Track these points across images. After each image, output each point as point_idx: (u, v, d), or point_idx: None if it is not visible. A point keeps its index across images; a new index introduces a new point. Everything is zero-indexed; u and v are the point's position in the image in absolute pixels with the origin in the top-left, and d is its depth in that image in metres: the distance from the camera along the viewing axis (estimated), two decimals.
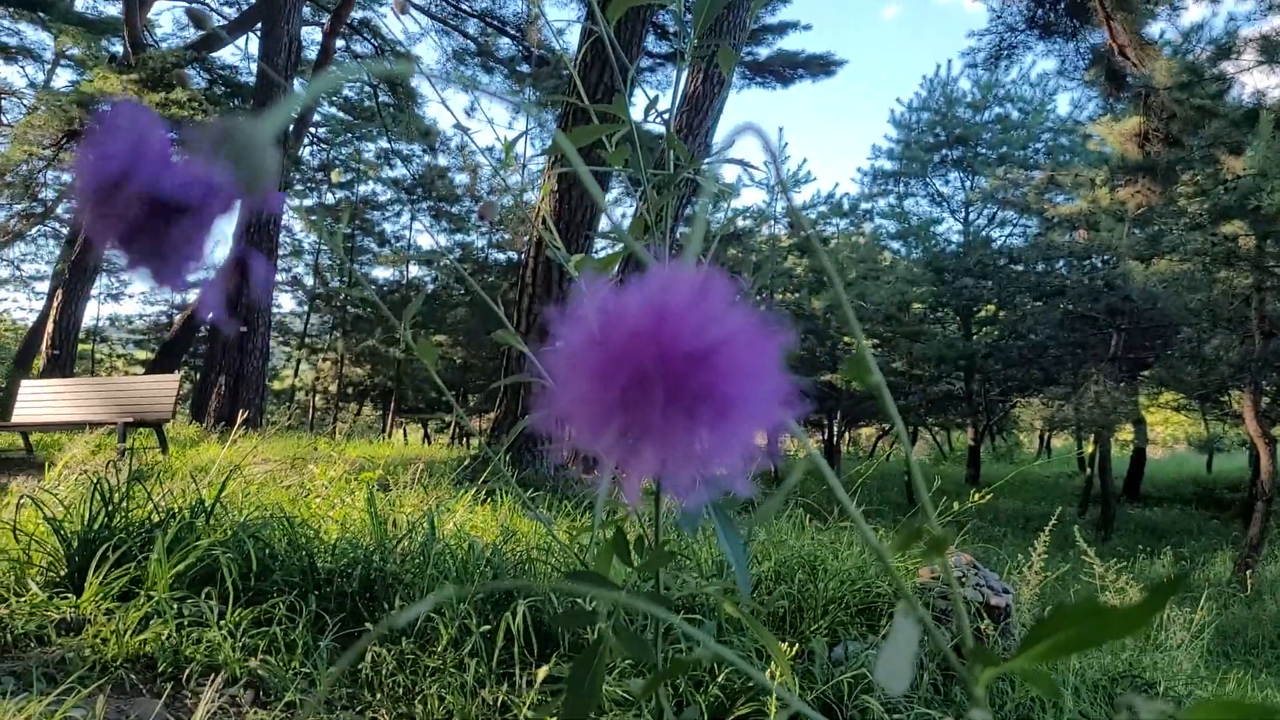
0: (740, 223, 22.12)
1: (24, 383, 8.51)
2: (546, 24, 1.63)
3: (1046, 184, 17.88)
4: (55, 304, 15.46)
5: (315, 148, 22.16)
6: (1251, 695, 3.92)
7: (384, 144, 22.30)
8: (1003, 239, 22.16)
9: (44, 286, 23.51)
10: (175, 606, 2.27)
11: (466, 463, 6.34)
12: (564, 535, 3.22)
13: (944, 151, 22.74)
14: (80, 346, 19.90)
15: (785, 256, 21.63)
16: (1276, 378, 12.87)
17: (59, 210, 20.34)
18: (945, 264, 19.28)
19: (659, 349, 0.30)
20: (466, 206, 23.87)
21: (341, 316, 24.83)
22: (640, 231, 1.10)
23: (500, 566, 2.87)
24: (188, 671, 2.10)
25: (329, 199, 23.95)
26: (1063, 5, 13.54)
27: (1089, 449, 16.24)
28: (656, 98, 1.15)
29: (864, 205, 24.33)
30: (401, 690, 2.16)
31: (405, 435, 26.12)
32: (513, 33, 18.08)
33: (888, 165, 23.96)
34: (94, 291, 18.95)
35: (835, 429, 20.31)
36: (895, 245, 23.70)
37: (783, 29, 17.35)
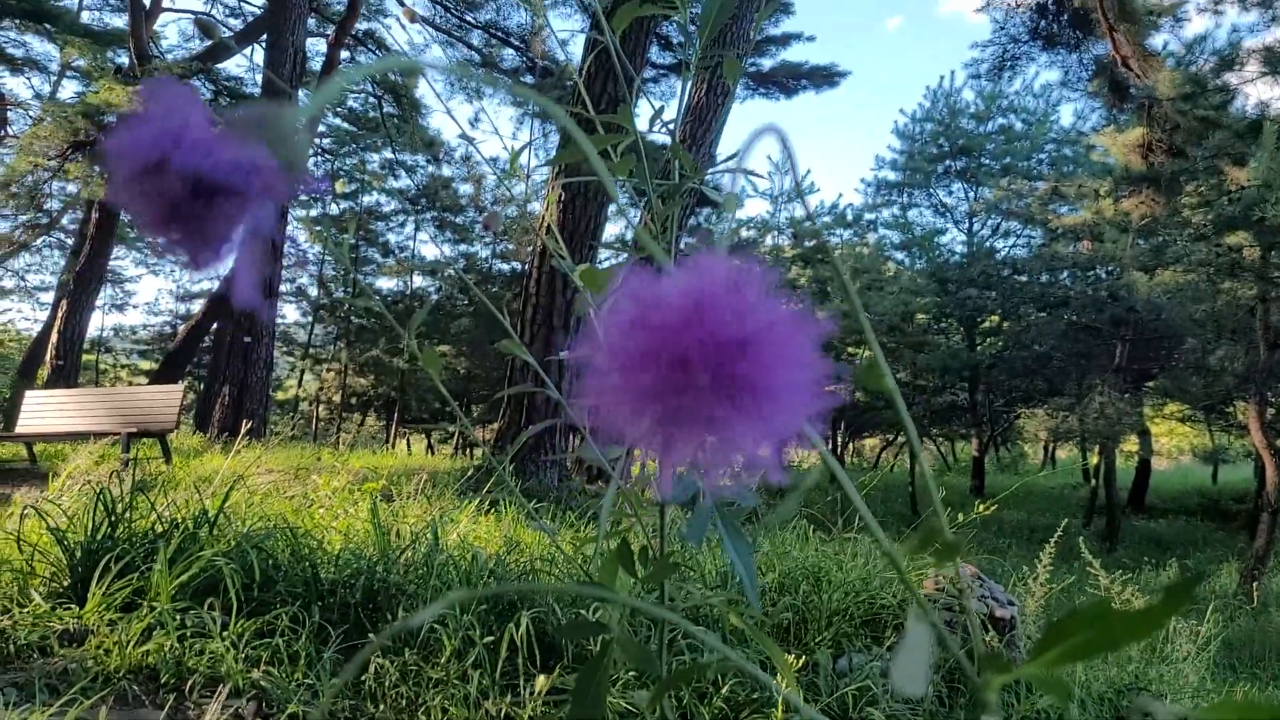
0: (744, 233, 22.16)
1: (28, 393, 8.52)
2: (551, 34, 1.63)
3: (1050, 195, 17.88)
4: (60, 314, 15.50)
5: (320, 158, 22.23)
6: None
7: (389, 154, 22.37)
8: (1006, 250, 22.17)
9: (49, 297, 23.56)
10: (178, 617, 2.26)
11: (470, 473, 6.34)
12: (568, 546, 3.21)
13: (948, 162, 22.75)
14: (85, 357, 19.95)
15: (789, 267, 21.64)
16: None
17: (64, 221, 20.42)
18: (949, 274, 19.27)
19: (700, 335, 0.30)
20: (471, 217, 23.91)
21: (345, 327, 24.87)
22: (645, 240, 1.09)
23: (504, 577, 2.87)
24: (190, 683, 2.09)
25: (333, 209, 24.01)
26: (1066, 17, 13.56)
27: (1094, 460, 16.21)
28: (661, 108, 1.15)
29: (868, 216, 24.35)
30: (404, 702, 2.16)
31: (409, 446, 26.11)
32: (517, 44, 18.16)
33: (891, 176, 23.98)
34: (99, 302, 19.01)
35: (839, 440, 20.29)
36: (899, 256, 23.70)
37: (786, 40, 17.41)
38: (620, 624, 0.70)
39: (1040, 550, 3.69)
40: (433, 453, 24.29)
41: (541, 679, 2.15)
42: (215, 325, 15.97)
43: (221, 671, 2.13)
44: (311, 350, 26.94)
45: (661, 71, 16.76)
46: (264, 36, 14.12)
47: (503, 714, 2.13)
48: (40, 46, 16.55)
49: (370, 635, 2.44)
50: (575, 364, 0.33)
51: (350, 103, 20.46)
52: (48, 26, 13.92)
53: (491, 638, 2.31)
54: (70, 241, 20.41)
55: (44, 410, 8.13)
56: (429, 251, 26.70)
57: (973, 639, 0.50)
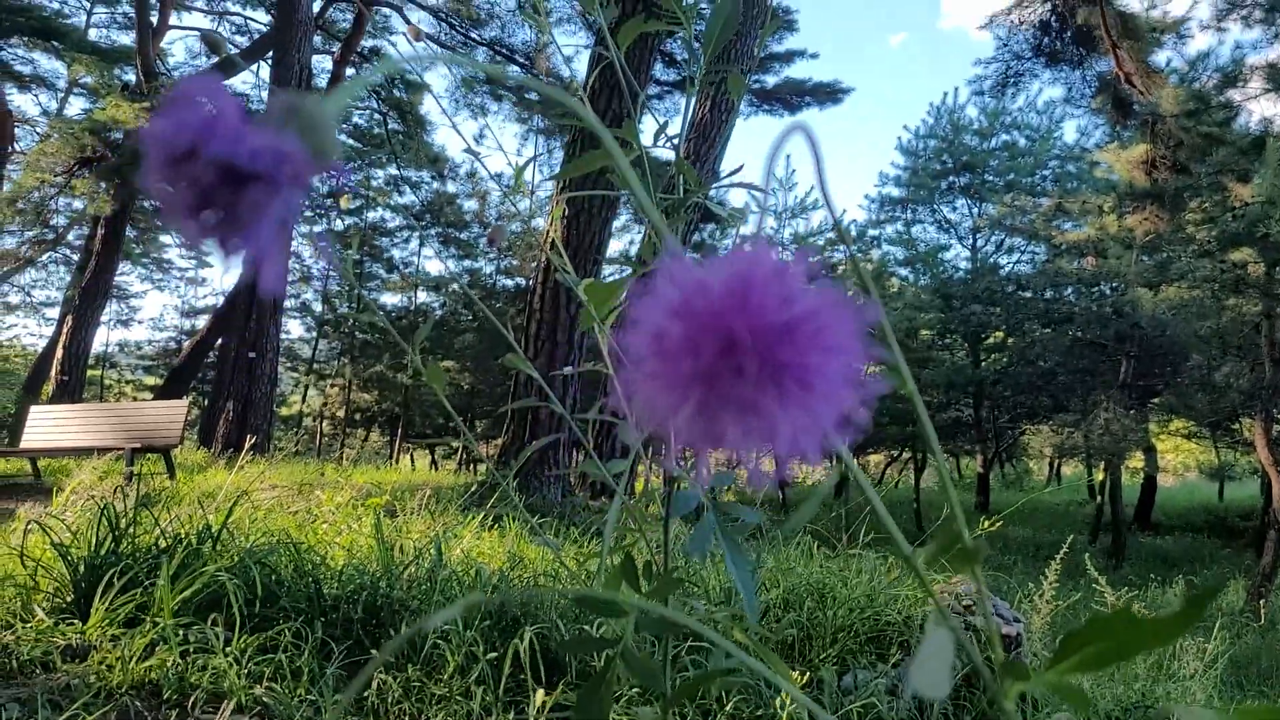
0: (748, 249, 22.16)
1: (33, 408, 8.53)
2: (556, 50, 1.64)
3: (1054, 211, 17.91)
4: (65, 330, 15.55)
5: (324, 174, 22.28)
6: None
7: (393, 170, 22.47)
8: (1010, 266, 22.18)
9: (54, 313, 23.62)
10: (181, 633, 2.26)
11: (474, 488, 6.33)
12: (572, 562, 3.21)
13: (951, 178, 22.79)
14: (90, 372, 19.99)
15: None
16: None
17: (70, 237, 20.50)
18: (953, 290, 19.28)
19: (747, 320, 0.30)
20: (475, 232, 23.99)
21: (350, 342, 24.91)
22: (650, 255, 1.10)
23: (507, 593, 2.86)
24: (193, 699, 2.08)
25: (338, 225, 24.11)
26: (1069, 34, 13.61)
27: (1099, 477, 16.16)
28: (665, 123, 1.15)
29: (871, 232, 24.38)
30: (408, 718, 2.15)
31: (412, 461, 26.11)
32: (521, 61, 18.24)
33: (895, 192, 24.02)
34: (104, 317, 19.06)
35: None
36: (903, 272, 23.71)
37: (790, 57, 17.49)
38: (626, 637, 0.70)
39: (1046, 567, 3.67)
40: (436, 468, 24.29)
41: (540, 694, 2.15)
42: (220, 341, 16.01)
43: (224, 687, 2.12)
44: (316, 365, 26.99)
45: (666, 88, 16.84)
46: (270, 54, 14.21)
47: None
48: (48, 64, 16.68)
49: (373, 651, 2.43)
50: (619, 350, 0.33)
51: (356, 119, 20.56)
52: (56, 44, 14.02)
53: (495, 653, 2.30)
54: (76, 257, 20.49)
55: (48, 425, 8.14)
56: (433, 267, 26.79)
57: (991, 648, 0.50)
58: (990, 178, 22.48)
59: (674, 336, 0.31)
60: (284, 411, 28.32)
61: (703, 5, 1.09)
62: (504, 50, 18.49)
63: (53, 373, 15.48)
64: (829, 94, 17.60)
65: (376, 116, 20.50)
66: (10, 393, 19.37)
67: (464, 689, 2.22)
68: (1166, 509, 20.96)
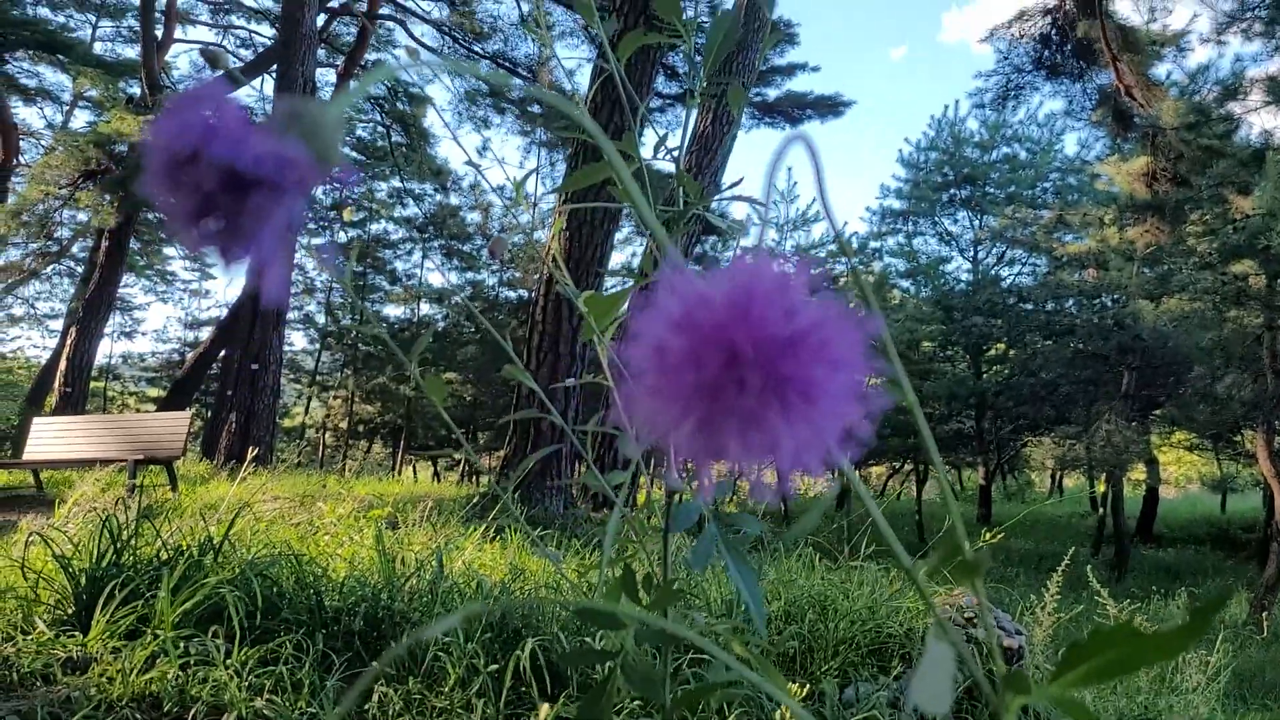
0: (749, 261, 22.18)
1: (36, 420, 8.54)
2: (558, 64, 1.65)
3: (1055, 223, 17.92)
4: (69, 342, 15.57)
5: (328, 186, 22.33)
6: None
7: (396, 183, 22.52)
8: (1012, 277, 22.20)
9: (58, 324, 23.66)
10: (181, 645, 2.26)
11: (475, 500, 6.33)
12: (573, 573, 3.20)
13: (952, 190, 22.83)
14: (93, 384, 20.00)
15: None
16: None
17: (74, 249, 20.54)
18: (954, 302, 19.29)
19: (750, 333, 0.29)
20: (478, 245, 24.04)
21: (352, 354, 24.94)
22: (650, 267, 1.10)
23: (508, 605, 2.85)
24: (194, 711, 2.08)
25: (341, 237, 24.15)
26: (1069, 47, 13.65)
27: (1101, 488, 16.12)
28: (666, 135, 1.16)
29: (873, 244, 24.40)
30: None
31: (415, 472, 26.09)
32: (524, 74, 18.31)
33: (896, 204, 24.06)
34: (107, 329, 19.09)
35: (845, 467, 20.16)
36: (904, 284, 23.72)
37: (791, 70, 17.55)
38: (626, 649, 0.70)
39: (1048, 579, 3.66)
40: (439, 479, 24.26)
41: (545, 708, 2.14)
42: (223, 352, 16.03)
43: (225, 700, 2.11)
44: (319, 377, 27.01)
45: (668, 101, 16.89)
46: (274, 67, 14.27)
47: None
48: (53, 77, 16.77)
49: (374, 664, 2.42)
50: (619, 364, 0.33)
51: (360, 132, 20.63)
52: (61, 57, 14.10)
53: (496, 665, 2.30)
54: (80, 269, 20.53)
55: (51, 437, 8.14)
56: (437, 279, 26.81)
57: (992, 660, 0.50)
58: (991, 190, 22.52)
59: (676, 349, 0.30)
60: (287, 423, 28.32)
61: (703, 18, 1.10)
62: (507, 64, 18.57)
63: (56, 384, 15.50)
64: (830, 107, 17.66)
65: (380, 129, 20.57)
66: (13, 404, 19.38)
67: (465, 701, 2.21)
68: (1169, 521, 20.90)
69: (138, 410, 26.61)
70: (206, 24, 20.88)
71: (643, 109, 1.17)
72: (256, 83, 19.77)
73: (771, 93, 17.69)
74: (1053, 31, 13.89)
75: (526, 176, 1.45)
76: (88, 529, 3.00)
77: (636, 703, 2.22)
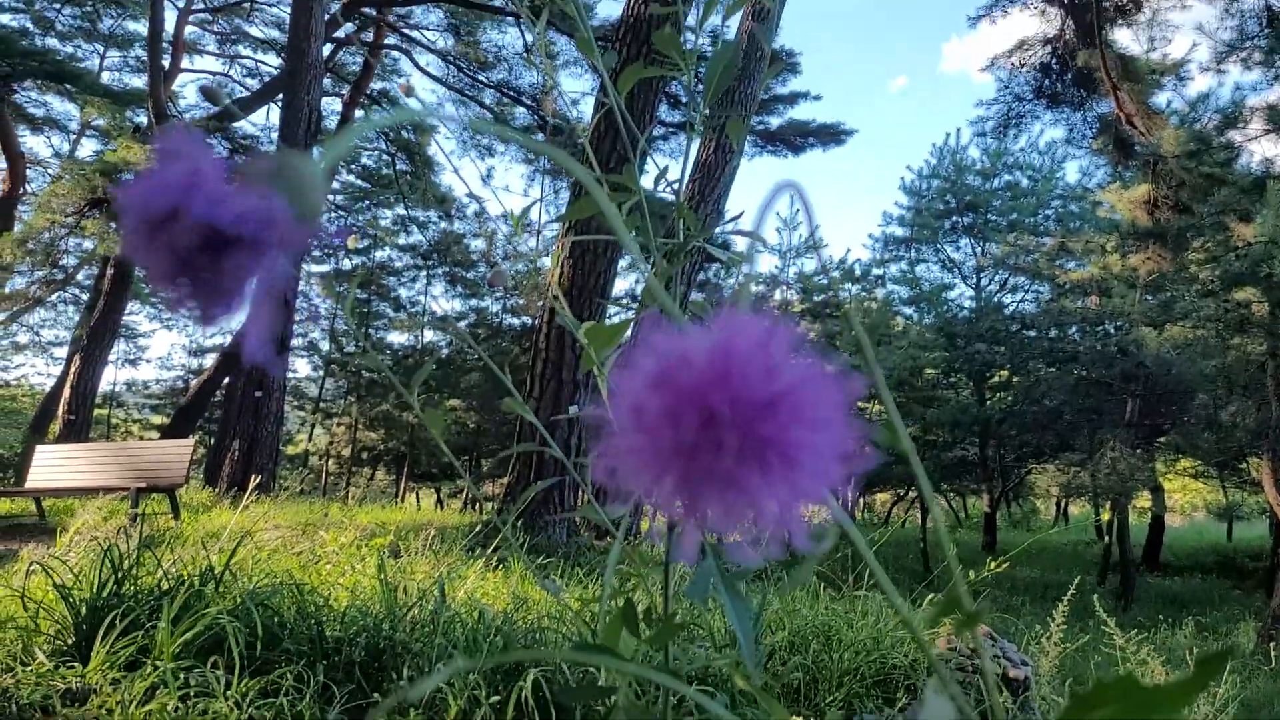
0: (753, 288, 22.24)
1: (39, 448, 8.54)
2: (561, 95, 1.66)
3: (1057, 250, 17.96)
4: (73, 369, 15.60)
5: (333, 214, 22.50)
6: None
7: (401, 211, 22.64)
8: (1015, 305, 22.18)
9: (62, 352, 23.73)
10: (181, 676, 2.24)
11: (478, 529, 6.31)
12: (575, 603, 3.18)
13: (954, 218, 22.88)
14: (97, 411, 20.02)
15: (798, 321, 21.63)
16: None
17: (79, 277, 20.63)
18: (957, 329, 19.28)
19: (729, 394, 0.29)
20: (482, 271, 24.13)
21: (356, 381, 24.96)
22: (651, 300, 1.11)
23: (511, 635, 2.84)
24: None
25: (346, 264, 24.26)
26: (1070, 76, 13.73)
27: (1106, 516, 16.06)
28: (666, 167, 1.17)
29: (876, 271, 24.42)
30: None
31: (418, 500, 26.02)
32: (528, 103, 18.45)
33: (899, 232, 24.09)
34: (111, 357, 19.13)
35: (850, 495, 20.11)
36: (907, 311, 23.72)
37: (793, 99, 17.67)
38: (625, 689, 0.70)
39: (1054, 608, 3.64)
40: (442, 507, 24.19)
41: None
42: (227, 380, 16.04)
43: None
44: (322, 404, 27.02)
45: (671, 129, 17.00)
46: (280, 96, 14.39)
47: None
48: (60, 106, 16.91)
49: (375, 695, 2.41)
50: (593, 422, 0.32)
51: (364, 160, 20.76)
52: (69, 87, 14.21)
53: (498, 697, 2.28)
54: (85, 297, 20.61)
55: (54, 465, 8.14)
56: (441, 306, 26.88)
57: (989, 700, 0.50)
58: (993, 217, 22.56)
59: (653, 409, 0.30)
60: (290, 450, 28.30)
61: (706, 49, 1.11)
62: (511, 92, 18.71)
63: (60, 412, 15.51)
64: (832, 135, 17.77)
65: (385, 157, 20.69)
66: (17, 432, 19.40)
67: None
68: (1175, 549, 20.78)
69: (141, 438, 26.62)
70: (213, 54, 21.08)
71: (643, 141, 1.17)
72: (263, 112, 19.93)
73: (774, 121, 17.81)
74: (1053, 61, 13.99)
75: (528, 208, 1.46)
76: (89, 558, 3.00)
77: None
